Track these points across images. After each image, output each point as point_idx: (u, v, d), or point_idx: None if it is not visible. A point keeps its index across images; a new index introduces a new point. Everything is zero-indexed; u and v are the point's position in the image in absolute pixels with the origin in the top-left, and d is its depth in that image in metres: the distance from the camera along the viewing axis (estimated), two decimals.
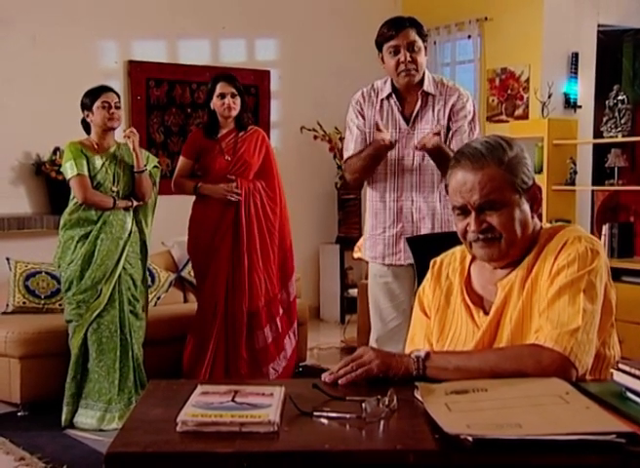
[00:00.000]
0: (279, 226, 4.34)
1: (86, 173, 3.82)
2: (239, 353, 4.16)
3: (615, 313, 1.72)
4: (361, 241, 5.05)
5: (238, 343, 4.16)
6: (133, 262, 3.94)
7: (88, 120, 3.88)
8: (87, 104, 3.86)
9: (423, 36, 3.19)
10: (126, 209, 3.92)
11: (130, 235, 3.91)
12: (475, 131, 3.26)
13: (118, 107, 3.89)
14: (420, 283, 1.99)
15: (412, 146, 3.19)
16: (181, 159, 4.31)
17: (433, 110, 3.22)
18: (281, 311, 4.33)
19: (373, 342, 3.35)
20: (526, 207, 1.72)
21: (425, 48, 3.22)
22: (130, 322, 3.90)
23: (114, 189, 3.89)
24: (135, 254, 3.96)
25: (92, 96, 3.86)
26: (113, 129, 3.91)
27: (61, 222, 3.90)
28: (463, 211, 1.72)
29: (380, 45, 3.20)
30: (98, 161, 3.86)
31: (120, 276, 3.86)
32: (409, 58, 3.12)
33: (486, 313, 1.74)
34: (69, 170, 3.82)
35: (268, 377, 4.16)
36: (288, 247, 4.41)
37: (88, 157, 3.84)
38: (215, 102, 4.15)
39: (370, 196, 3.36)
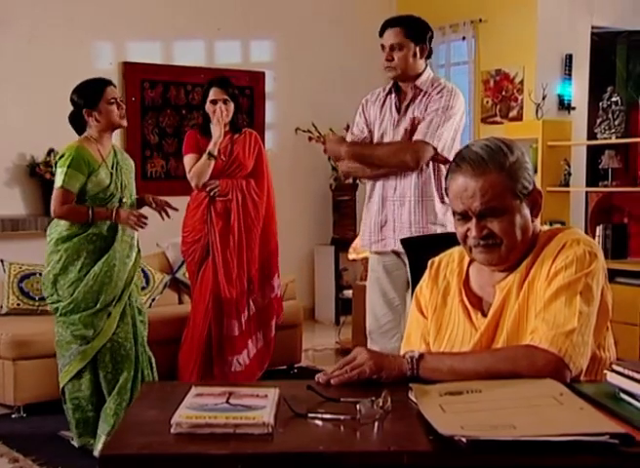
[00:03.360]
0: (264, 226, 4.30)
1: (74, 190, 3.40)
2: (213, 342, 4.16)
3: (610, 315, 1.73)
4: (356, 242, 5.07)
5: (212, 332, 4.17)
6: (137, 274, 3.69)
7: (89, 119, 3.45)
8: (90, 102, 3.42)
9: (414, 36, 3.33)
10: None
11: (139, 252, 3.62)
12: (435, 126, 3.25)
13: (122, 101, 3.52)
14: (414, 283, 2.00)
15: (397, 136, 3.34)
16: (188, 157, 4.19)
17: (421, 104, 3.34)
18: (247, 311, 4.28)
19: (367, 338, 3.41)
20: (526, 212, 1.71)
21: (423, 49, 3.34)
22: (143, 336, 3.64)
23: (124, 199, 3.51)
24: (138, 266, 3.68)
25: (93, 91, 3.44)
26: (122, 127, 3.59)
27: (64, 233, 3.44)
28: (464, 216, 1.72)
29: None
30: (104, 171, 3.45)
31: (130, 292, 3.58)
32: (389, 57, 3.33)
33: (484, 315, 1.75)
34: (59, 177, 3.41)
35: (231, 367, 4.14)
36: (272, 248, 4.37)
37: (93, 170, 3.42)
38: (207, 107, 4.16)
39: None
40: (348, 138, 3.53)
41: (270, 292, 4.38)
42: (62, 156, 3.42)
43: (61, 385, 3.54)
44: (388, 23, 3.37)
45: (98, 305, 3.45)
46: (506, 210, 1.69)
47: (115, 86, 3.58)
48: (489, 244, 1.70)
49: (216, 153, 4.08)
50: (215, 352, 4.16)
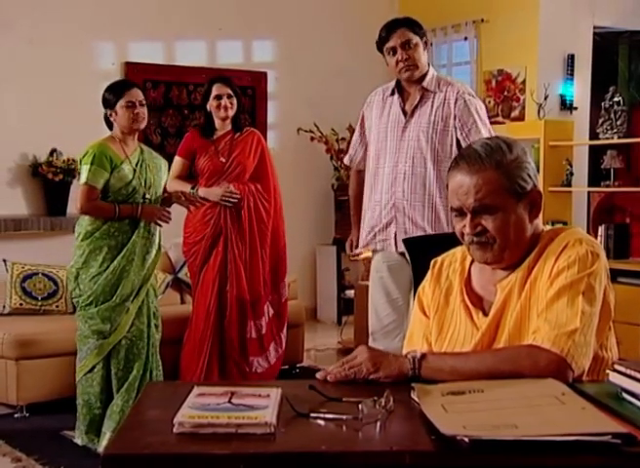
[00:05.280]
0: (273, 228, 4.33)
1: (99, 186, 3.47)
2: (232, 342, 4.18)
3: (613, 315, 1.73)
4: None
5: (230, 333, 4.18)
6: (153, 274, 3.73)
7: (111, 119, 3.57)
8: (109, 102, 3.54)
9: (419, 32, 3.36)
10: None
11: (159, 250, 3.68)
12: (481, 131, 3.30)
13: (143, 105, 3.56)
14: (417, 282, 2.00)
15: (406, 138, 3.33)
16: (177, 159, 4.31)
17: (432, 106, 3.33)
18: (267, 313, 4.32)
19: (370, 337, 3.41)
20: (523, 211, 1.71)
21: (426, 43, 3.40)
22: (155, 338, 3.69)
23: (147, 196, 3.57)
24: (157, 264, 3.74)
25: (114, 93, 3.54)
26: (139, 130, 3.63)
27: (88, 228, 3.51)
28: (460, 212, 1.72)
29: (380, 49, 3.39)
30: (127, 167, 3.53)
31: (147, 291, 3.64)
32: (405, 56, 3.31)
33: (485, 314, 1.74)
34: (83, 174, 3.49)
35: (252, 368, 4.19)
36: (281, 248, 4.40)
37: (115, 165, 3.49)
38: (211, 104, 4.17)
39: (366, 187, 3.52)
40: (346, 160, 3.70)
41: (284, 292, 4.41)
42: (86, 154, 3.51)
43: (77, 379, 3.59)
44: (392, 27, 3.33)
45: (115, 299, 3.52)
46: (500, 208, 1.68)
47: (139, 88, 3.62)
48: (482, 241, 1.71)
49: (198, 194, 4.07)
50: (236, 353, 4.18)
